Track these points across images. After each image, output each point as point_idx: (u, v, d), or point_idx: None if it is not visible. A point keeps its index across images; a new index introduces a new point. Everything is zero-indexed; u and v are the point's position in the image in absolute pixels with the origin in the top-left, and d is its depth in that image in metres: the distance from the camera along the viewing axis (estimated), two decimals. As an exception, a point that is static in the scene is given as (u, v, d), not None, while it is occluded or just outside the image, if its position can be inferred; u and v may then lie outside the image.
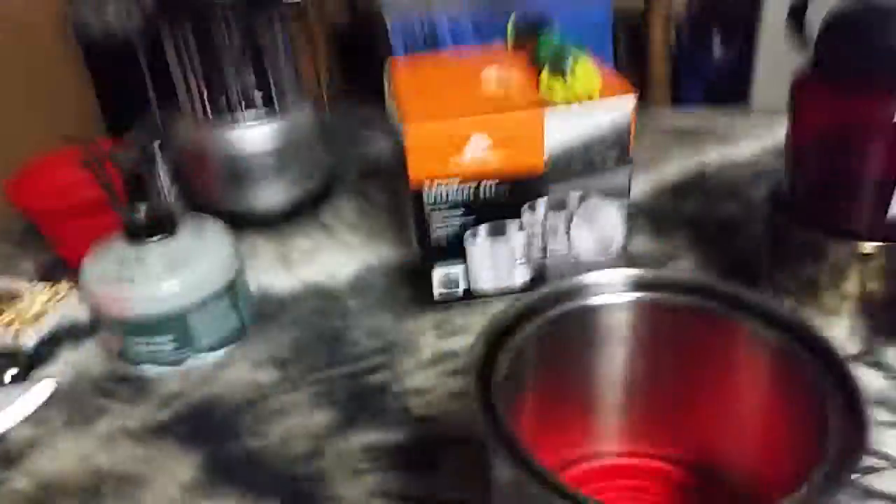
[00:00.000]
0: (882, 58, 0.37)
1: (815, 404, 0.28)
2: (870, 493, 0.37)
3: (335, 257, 0.62)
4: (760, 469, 0.33)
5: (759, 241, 0.50)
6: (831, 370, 0.29)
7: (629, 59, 1.17)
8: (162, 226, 0.49)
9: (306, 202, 0.68)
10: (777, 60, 0.44)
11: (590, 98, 0.47)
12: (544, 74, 0.48)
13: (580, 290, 0.34)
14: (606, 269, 0.34)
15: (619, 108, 0.48)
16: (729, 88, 1.31)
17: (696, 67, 1.31)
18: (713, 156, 0.71)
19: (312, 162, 0.69)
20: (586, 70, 0.48)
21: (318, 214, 0.68)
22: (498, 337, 0.32)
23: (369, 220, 0.67)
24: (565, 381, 0.36)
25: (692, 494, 0.36)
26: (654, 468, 0.37)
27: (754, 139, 0.73)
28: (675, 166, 0.70)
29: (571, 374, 0.36)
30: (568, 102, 0.47)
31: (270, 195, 0.66)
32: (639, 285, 0.34)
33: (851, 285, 0.43)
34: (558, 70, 0.47)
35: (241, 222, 0.65)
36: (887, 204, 0.40)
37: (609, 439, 0.38)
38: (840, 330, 0.44)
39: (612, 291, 0.34)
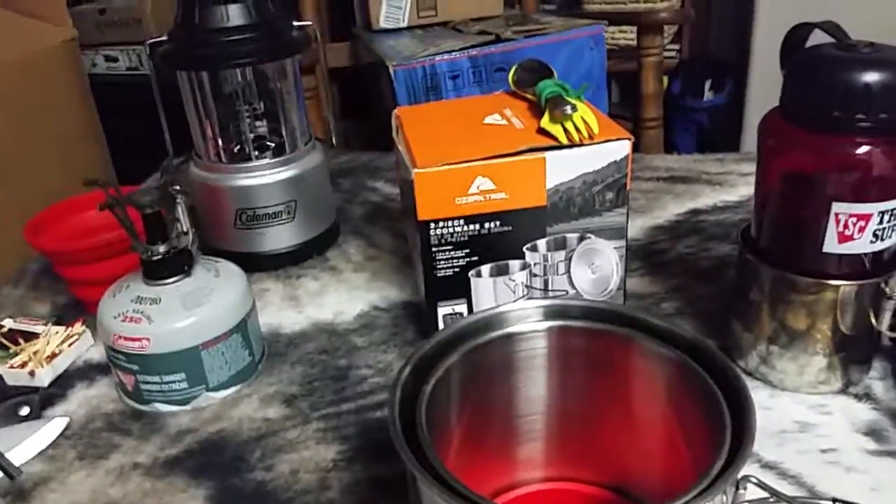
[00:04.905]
0: (842, 101, 0.39)
1: (711, 418, 0.30)
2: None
3: (342, 297, 0.63)
4: (669, 485, 0.34)
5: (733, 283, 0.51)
6: (727, 385, 0.30)
7: (623, 106, 1.21)
8: (179, 266, 0.51)
9: (314, 245, 0.71)
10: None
11: (588, 142, 0.50)
12: (545, 119, 0.51)
13: (500, 320, 0.36)
14: (522, 300, 0.36)
15: (617, 152, 0.50)
16: (721, 135, 1.36)
17: (688, 114, 1.36)
18: (707, 199, 0.74)
19: (321, 206, 0.72)
20: (585, 115, 0.50)
21: (326, 256, 0.70)
22: (422, 368, 0.33)
23: (374, 262, 0.69)
24: (489, 409, 0.38)
25: None
26: (576, 492, 0.39)
27: (746, 183, 0.76)
28: (670, 209, 0.73)
29: (495, 402, 0.38)
30: (568, 146, 0.50)
31: (281, 238, 0.69)
32: (554, 314, 0.36)
33: (823, 321, 0.44)
34: (558, 115, 0.50)
35: (252, 264, 0.67)
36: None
37: (533, 466, 0.39)
38: (819, 365, 0.46)
39: (530, 320, 0.36)
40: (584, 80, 1.11)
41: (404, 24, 1.32)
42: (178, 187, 0.51)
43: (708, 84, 1.37)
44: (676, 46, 1.77)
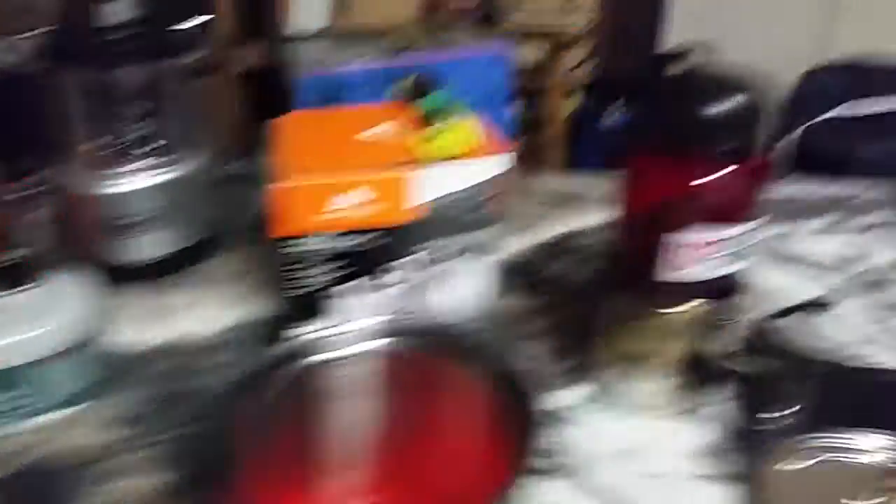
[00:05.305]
0: (689, 129, 0.41)
1: (516, 436, 0.31)
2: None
3: (210, 312, 0.61)
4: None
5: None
6: (528, 405, 0.31)
7: (529, 123, 1.23)
8: (23, 275, 0.48)
9: (189, 256, 0.68)
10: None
11: (462, 157, 0.49)
12: (423, 133, 0.50)
13: (322, 344, 0.36)
14: (348, 321, 0.36)
15: (491, 169, 0.50)
16: (626, 155, 1.40)
17: (595, 134, 1.39)
18: (592, 218, 0.75)
19: (201, 215, 0.69)
20: (461, 129, 0.50)
21: (201, 268, 0.68)
22: (242, 391, 0.33)
23: (252, 275, 0.66)
24: (309, 433, 0.37)
25: None
26: None
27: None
28: (554, 227, 0.73)
29: (314, 425, 0.38)
30: (439, 160, 0.49)
31: (152, 247, 0.65)
32: (380, 334, 0.37)
33: (664, 346, 0.46)
34: (434, 129, 0.50)
35: (120, 274, 0.64)
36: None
37: (351, 488, 0.38)
38: (659, 389, 0.47)
39: (353, 343, 0.36)
40: (490, 95, 1.12)
41: (318, 28, 1.30)
42: (39, 189, 0.48)
43: (616, 105, 1.41)
44: (589, 66, 1.82)
